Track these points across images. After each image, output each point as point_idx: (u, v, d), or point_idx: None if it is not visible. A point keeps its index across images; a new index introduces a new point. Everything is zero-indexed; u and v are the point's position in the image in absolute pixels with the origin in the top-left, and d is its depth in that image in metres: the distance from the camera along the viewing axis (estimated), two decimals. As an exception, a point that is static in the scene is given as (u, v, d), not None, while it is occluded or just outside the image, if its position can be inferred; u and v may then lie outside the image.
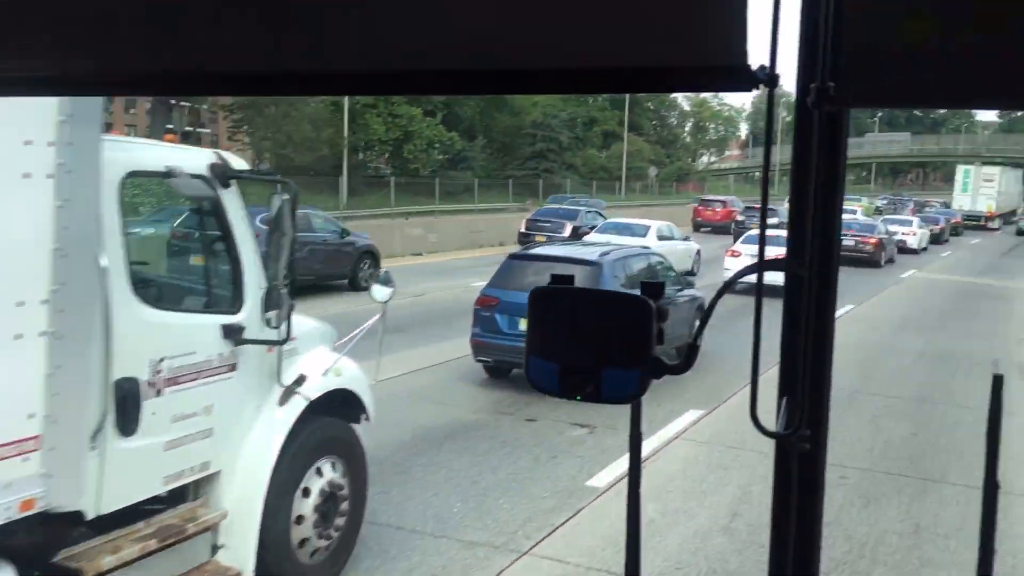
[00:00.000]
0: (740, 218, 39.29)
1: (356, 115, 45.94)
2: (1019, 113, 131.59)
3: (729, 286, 1.37)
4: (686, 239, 25.83)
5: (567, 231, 28.20)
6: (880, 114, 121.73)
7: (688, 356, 1.25)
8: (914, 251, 36.67)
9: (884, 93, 1.07)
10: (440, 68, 1.02)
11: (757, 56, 0.98)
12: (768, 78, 0.99)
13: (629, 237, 21.90)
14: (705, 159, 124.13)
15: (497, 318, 11.01)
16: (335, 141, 44.28)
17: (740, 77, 0.97)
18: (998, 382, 1.47)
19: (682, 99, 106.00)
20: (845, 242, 32.85)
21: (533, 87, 1.04)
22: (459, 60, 1.01)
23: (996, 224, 54.52)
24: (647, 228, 23.66)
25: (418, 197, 42.80)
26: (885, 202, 74.55)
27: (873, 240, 30.66)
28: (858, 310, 19.16)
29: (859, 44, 1.01)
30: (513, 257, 12.37)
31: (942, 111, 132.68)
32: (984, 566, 1.49)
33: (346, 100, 42.75)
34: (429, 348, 12.77)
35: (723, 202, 45.13)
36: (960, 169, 55.63)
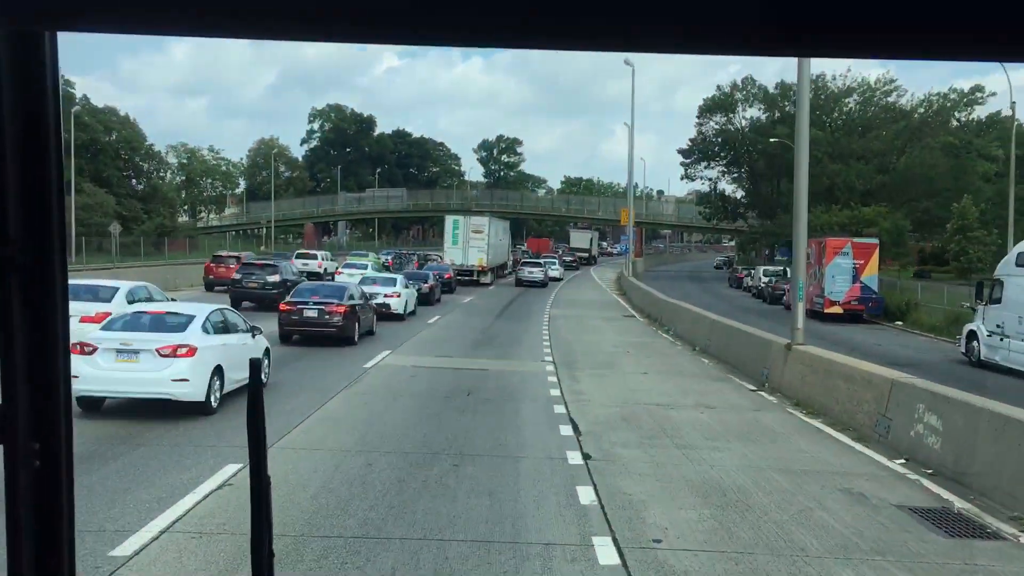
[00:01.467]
0: (237, 276, 32.68)
1: None
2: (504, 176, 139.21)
3: None
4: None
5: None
6: (379, 170, 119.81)
7: None
8: (400, 317, 28.85)
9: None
10: None
11: None
12: None
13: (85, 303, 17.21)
14: (206, 216, 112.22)
15: None
16: None
17: None
18: (255, 366, 1.31)
19: (163, 148, 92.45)
20: (307, 313, 23.68)
21: None
22: None
23: (488, 279, 50.22)
24: (114, 291, 18.51)
25: None
26: (392, 256, 70.10)
27: (341, 308, 21.75)
28: (245, 474, 8.96)
29: None
30: None
31: (435, 169, 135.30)
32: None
33: None
34: None
35: (237, 258, 39.89)
36: (449, 220, 50.37)
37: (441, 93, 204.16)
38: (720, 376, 18.34)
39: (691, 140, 75.34)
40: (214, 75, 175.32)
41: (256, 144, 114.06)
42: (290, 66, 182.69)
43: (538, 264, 55.48)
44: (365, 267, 47.31)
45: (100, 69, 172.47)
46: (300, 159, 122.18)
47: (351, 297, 22.79)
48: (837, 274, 39.18)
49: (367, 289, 28.69)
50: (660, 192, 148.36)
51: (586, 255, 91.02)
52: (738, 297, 54.77)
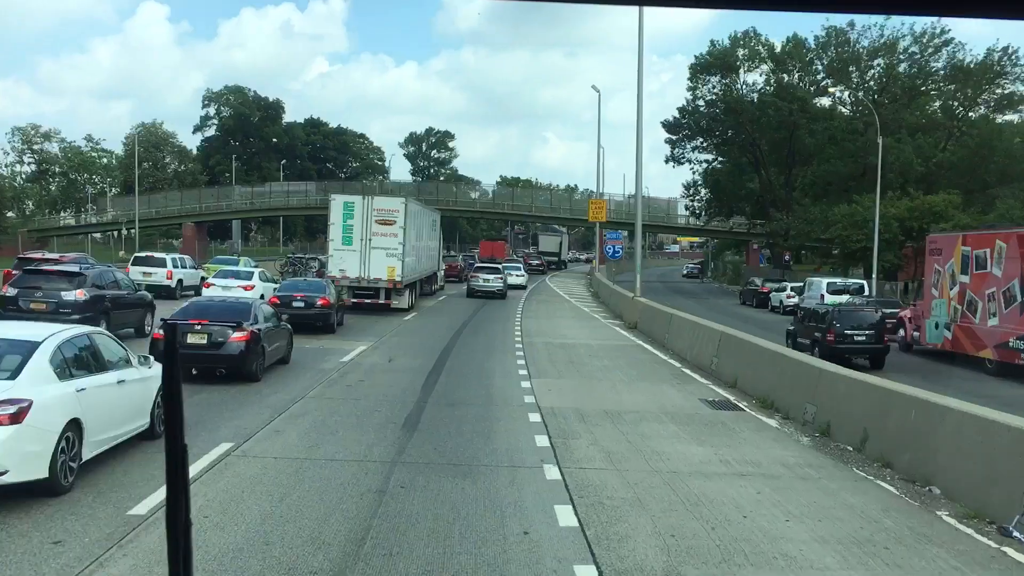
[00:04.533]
0: (11, 292, 19.01)
1: None
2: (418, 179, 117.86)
3: None
4: None
5: None
6: (284, 161, 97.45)
7: None
8: (46, 486, 7.71)
9: None
10: None
11: None
12: None
13: None
14: (86, 216, 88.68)
15: None
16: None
17: None
18: (170, 330, 1.22)
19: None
20: None
21: None
22: None
23: (405, 302, 28.75)
24: None
25: None
26: (283, 262, 50.67)
27: None
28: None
29: None
30: None
31: (355, 164, 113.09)
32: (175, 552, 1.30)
33: None
34: None
35: (56, 262, 25.65)
36: (337, 202, 28.04)
37: (373, 99, 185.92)
38: None
39: (680, 110, 55.46)
40: (139, 78, 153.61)
41: (134, 129, 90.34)
42: (219, 68, 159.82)
43: (496, 270, 40.14)
44: (250, 275, 29.03)
45: (17, 71, 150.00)
46: (195, 150, 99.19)
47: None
48: (1074, 297, 19.42)
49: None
50: (602, 195, 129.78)
51: (555, 259, 78.65)
52: (781, 323, 35.03)
